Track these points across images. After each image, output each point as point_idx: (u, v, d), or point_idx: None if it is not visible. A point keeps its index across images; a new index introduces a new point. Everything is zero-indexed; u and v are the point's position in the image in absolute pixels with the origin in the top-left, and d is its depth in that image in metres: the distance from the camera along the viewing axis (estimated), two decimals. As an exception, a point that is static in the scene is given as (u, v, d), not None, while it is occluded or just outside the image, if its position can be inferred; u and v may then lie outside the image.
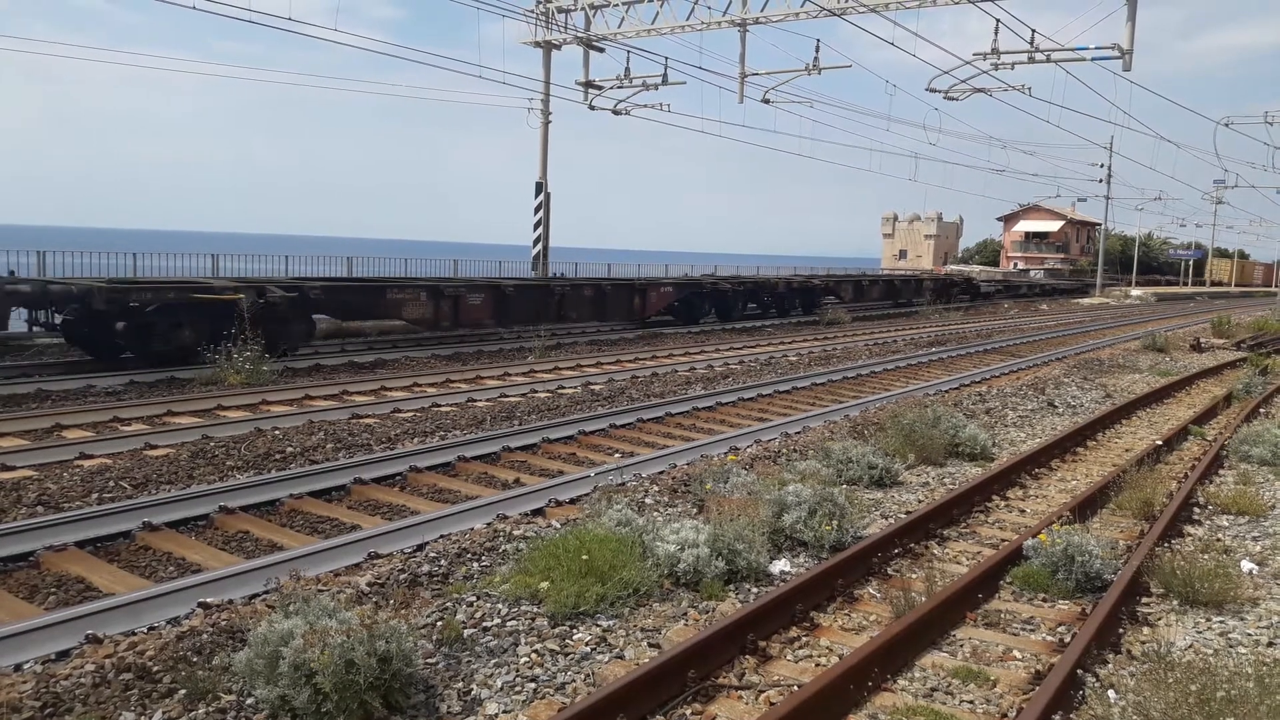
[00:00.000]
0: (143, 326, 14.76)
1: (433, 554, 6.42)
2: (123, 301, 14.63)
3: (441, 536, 6.86)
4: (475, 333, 21.09)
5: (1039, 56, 24.26)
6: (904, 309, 39.52)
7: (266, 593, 5.68)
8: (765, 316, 31.04)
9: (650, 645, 5.18)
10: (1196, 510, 8.45)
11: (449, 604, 5.54)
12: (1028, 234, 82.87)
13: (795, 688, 4.68)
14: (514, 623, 5.32)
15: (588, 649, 5.09)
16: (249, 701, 4.31)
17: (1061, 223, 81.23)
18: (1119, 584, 5.99)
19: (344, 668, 4.10)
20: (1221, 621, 5.83)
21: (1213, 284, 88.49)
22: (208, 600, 5.52)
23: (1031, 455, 10.06)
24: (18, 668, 4.68)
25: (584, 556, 5.73)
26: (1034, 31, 23.96)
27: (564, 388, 14.49)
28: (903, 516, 7.77)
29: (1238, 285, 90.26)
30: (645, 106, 30.10)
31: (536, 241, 29.17)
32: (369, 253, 27.73)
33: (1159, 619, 5.90)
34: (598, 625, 5.36)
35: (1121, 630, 5.66)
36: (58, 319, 14.90)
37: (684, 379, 15.87)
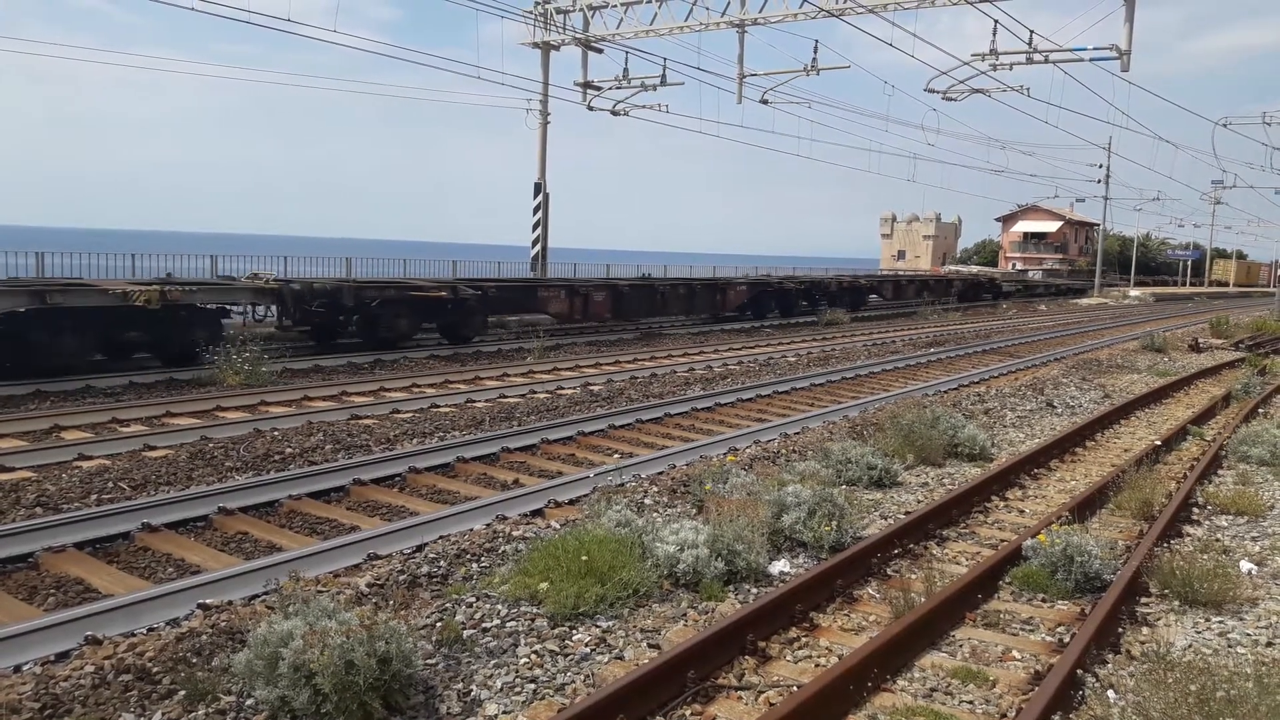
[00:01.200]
0: (372, 316, 18.35)
1: (432, 555, 6.42)
2: (361, 296, 18.22)
3: (441, 537, 6.86)
4: (600, 324, 24.46)
5: (1037, 57, 24.26)
6: (904, 309, 39.79)
7: (266, 594, 5.68)
8: (816, 312, 33.06)
9: (650, 646, 5.18)
10: (1195, 510, 8.45)
11: (448, 605, 5.54)
12: (1026, 234, 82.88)
13: (795, 688, 4.68)
14: (513, 623, 5.32)
15: (587, 650, 5.09)
16: (249, 702, 4.31)
17: (1060, 223, 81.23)
18: (1118, 584, 6.00)
19: (344, 669, 4.10)
20: (1221, 622, 5.83)
21: (1217, 284, 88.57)
22: (207, 601, 5.51)
23: (1030, 455, 10.06)
24: (17, 669, 4.68)
25: (583, 557, 5.73)
26: (1032, 32, 24.01)
27: (563, 389, 14.49)
28: (902, 517, 7.78)
29: (1243, 286, 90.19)
30: (644, 107, 30.10)
31: (535, 242, 29.16)
32: (367, 254, 27.73)
33: (1158, 619, 5.90)
34: (597, 626, 5.36)
35: (1121, 630, 5.66)
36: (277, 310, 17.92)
37: (683, 380, 15.88)
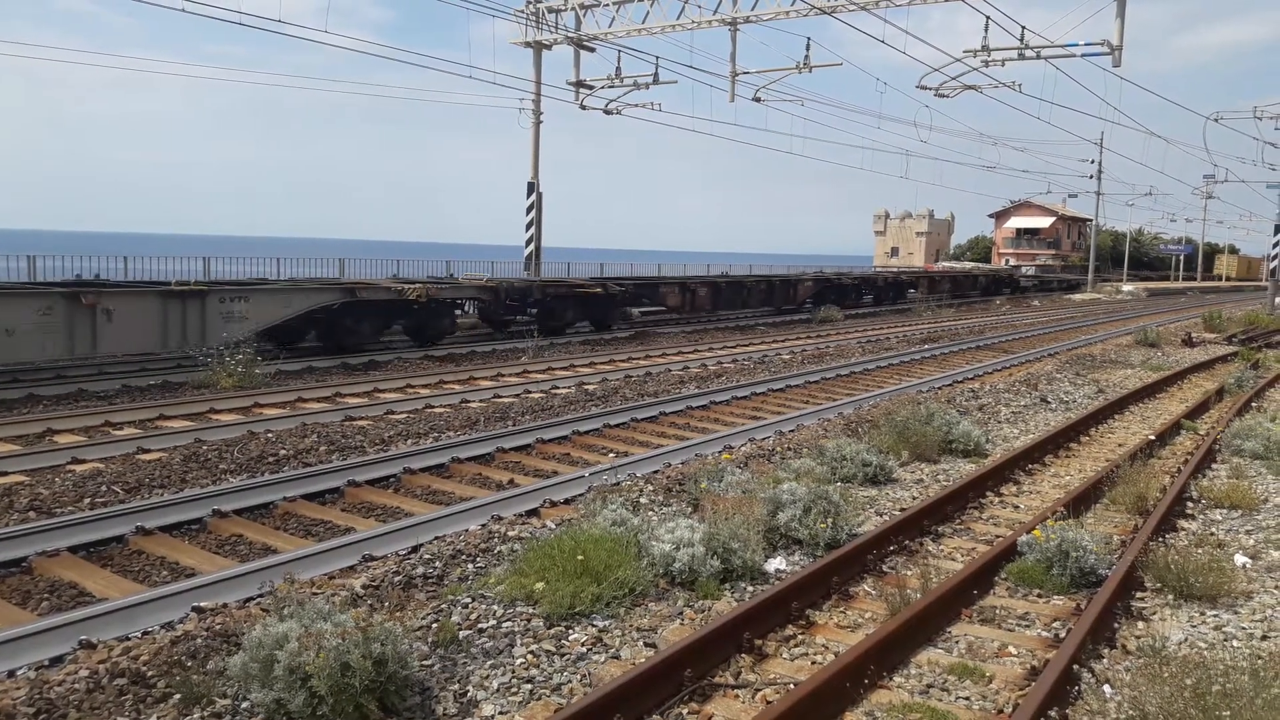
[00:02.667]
0: (548, 309, 23.07)
1: (427, 556, 6.40)
2: (544, 292, 22.99)
3: (436, 538, 6.85)
4: (703, 312, 29.64)
5: (1029, 53, 24.28)
6: (899, 306, 40.18)
7: (261, 596, 5.67)
8: (860, 305, 38.39)
9: (646, 645, 5.18)
10: (1190, 504, 8.48)
11: (444, 606, 5.53)
12: (1019, 230, 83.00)
13: (792, 686, 4.68)
14: (510, 624, 5.31)
15: (584, 649, 5.09)
16: (244, 706, 4.30)
17: (1053, 219, 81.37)
18: (1113, 579, 6.01)
19: (339, 671, 4.09)
20: (1216, 615, 5.85)
21: (1223, 279, 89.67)
22: (202, 604, 5.50)
23: (1025, 451, 10.07)
24: (11, 674, 4.66)
25: (579, 557, 5.73)
26: (1024, 28, 24.02)
27: (558, 388, 14.47)
28: (897, 514, 7.78)
29: (1244, 280, 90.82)
30: (636, 106, 30.06)
31: (529, 242, 29.12)
32: (360, 254, 27.72)
33: (1154, 613, 5.91)
34: (593, 625, 5.35)
35: (1116, 625, 5.67)
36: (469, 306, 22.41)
37: (678, 378, 15.87)
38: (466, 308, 22.48)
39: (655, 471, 9.05)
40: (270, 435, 10.30)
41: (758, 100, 29.39)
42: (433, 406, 12.53)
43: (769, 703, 4.53)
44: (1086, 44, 23.66)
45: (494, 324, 22.60)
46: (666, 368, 17.16)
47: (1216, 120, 38.63)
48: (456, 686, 4.63)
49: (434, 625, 5.22)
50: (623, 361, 18.09)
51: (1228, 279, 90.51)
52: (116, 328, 13.94)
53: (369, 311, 18.33)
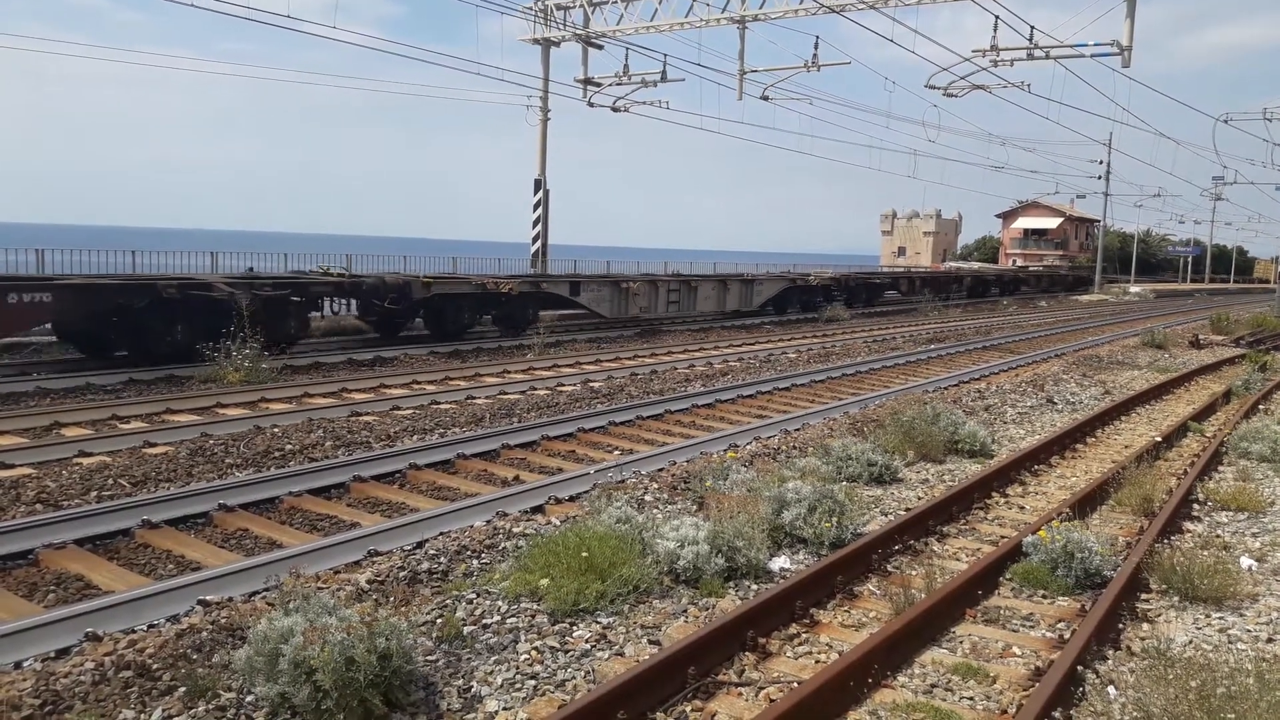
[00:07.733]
0: (852, 292, 35.56)
1: (432, 551, 6.42)
2: (856, 281, 36.42)
3: (441, 534, 6.86)
4: (915, 296, 42.28)
5: (1038, 53, 24.21)
6: (907, 306, 40.05)
7: (266, 590, 5.69)
8: (989, 295, 49.97)
9: (650, 642, 5.19)
10: (1196, 507, 8.45)
11: (449, 601, 5.54)
12: (1026, 231, 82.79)
13: (795, 684, 4.68)
14: (514, 620, 5.32)
15: (588, 646, 5.09)
16: (249, 699, 4.31)
17: (1060, 219, 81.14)
18: (1118, 580, 6.00)
19: (344, 665, 4.10)
20: (1221, 618, 5.83)
21: (1261, 282, 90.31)
22: (207, 598, 5.52)
23: (1031, 452, 10.06)
24: (17, 665, 4.68)
25: (584, 554, 5.74)
26: (1033, 28, 23.94)
27: (563, 385, 14.48)
28: (902, 513, 7.78)
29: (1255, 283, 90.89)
30: (644, 103, 30.06)
31: (536, 239, 29.14)
32: (368, 250, 27.82)
33: (1159, 615, 5.90)
34: (598, 622, 5.36)
35: (1121, 626, 5.66)
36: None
37: (683, 376, 15.87)
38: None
39: (660, 469, 9.06)
40: (276, 430, 10.32)
41: (766, 99, 29.37)
42: (439, 403, 12.55)
43: (772, 701, 4.53)
44: (1095, 44, 23.59)
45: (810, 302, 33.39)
46: (672, 366, 17.16)
47: (1226, 121, 38.46)
48: (461, 682, 4.64)
49: (438, 620, 5.23)
50: (628, 359, 18.08)
51: (1275, 281, 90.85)
52: (700, 296, 27.84)
53: (794, 293, 32.67)
